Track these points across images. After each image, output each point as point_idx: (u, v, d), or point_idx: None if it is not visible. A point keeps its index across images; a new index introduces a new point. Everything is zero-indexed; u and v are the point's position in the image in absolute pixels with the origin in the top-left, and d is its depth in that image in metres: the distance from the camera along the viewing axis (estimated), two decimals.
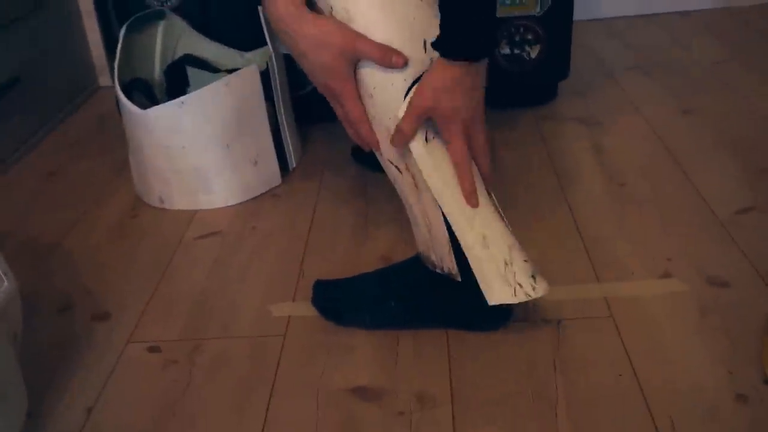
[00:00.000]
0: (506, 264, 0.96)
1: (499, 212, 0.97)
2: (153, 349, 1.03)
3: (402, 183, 0.96)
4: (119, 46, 1.39)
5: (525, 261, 0.97)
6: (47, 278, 1.21)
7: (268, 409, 0.91)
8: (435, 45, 0.85)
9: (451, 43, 0.84)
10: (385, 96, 0.89)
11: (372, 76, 0.88)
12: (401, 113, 0.88)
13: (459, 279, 0.96)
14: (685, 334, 0.97)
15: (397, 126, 0.89)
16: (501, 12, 1.57)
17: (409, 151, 0.91)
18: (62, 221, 1.37)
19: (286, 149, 1.46)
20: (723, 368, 0.91)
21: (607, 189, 1.33)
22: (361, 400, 0.91)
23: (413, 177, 0.93)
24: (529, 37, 1.59)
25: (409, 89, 0.87)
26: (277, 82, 1.41)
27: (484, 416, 0.87)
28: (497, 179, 1.38)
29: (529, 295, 0.97)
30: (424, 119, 0.88)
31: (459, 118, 0.87)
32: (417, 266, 1.01)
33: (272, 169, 1.41)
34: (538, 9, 1.57)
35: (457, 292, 0.97)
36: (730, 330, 0.97)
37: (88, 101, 1.95)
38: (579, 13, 2.25)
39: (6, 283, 0.83)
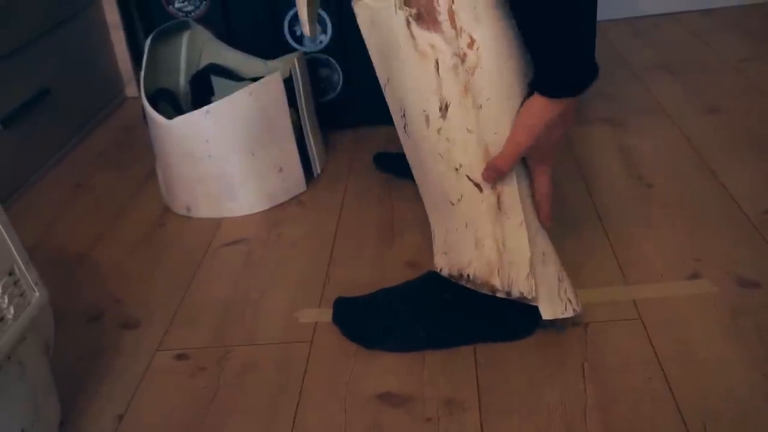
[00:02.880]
0: (559, 280, 0.96)
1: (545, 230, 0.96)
2: (181, 357, 1.04)
3: (474, 203, 0.91)
4: (145, 57, 1.41)
5: (568, 278, 0.97)
6: (76, 289, 1.22)
7: (296, 415, 0.91)
8: (533, 85, 0.82)
9: (549, 82, 0.80)
10: (496, 111, 0.86)
11: (490, 86, 0.85)
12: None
13: (537, 302, 0.94)
14: (716, 336, 0.96)
15: (492, 162, 0.87)
16: None
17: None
18: (90, 232, 1.39)
19: (310, 156, 1.46)
20: (756, 370, 0.90)
21: (635, 190, 1.32)
22: (388, 406, 0.91)
23: (499, 197, 0.90)
24: None
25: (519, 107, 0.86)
26: (301, 89, 1.42)
27: (512, 422, 0.87)
28: None
29: (575, 311, 0.96)
30: (522, 154, 0.86)
31: (553, 151, 0.86)
32: (441, 285, 0.98)
33: (297, 175, 1.42)
34: None
35: (484, 307, 0.97)
36: (762, 331, 0.96)
37: (115, 112, 1.97)
38: (603, 12, 2.24)
39: (37, 294, 0.85)
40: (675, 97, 1.68)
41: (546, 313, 0.94)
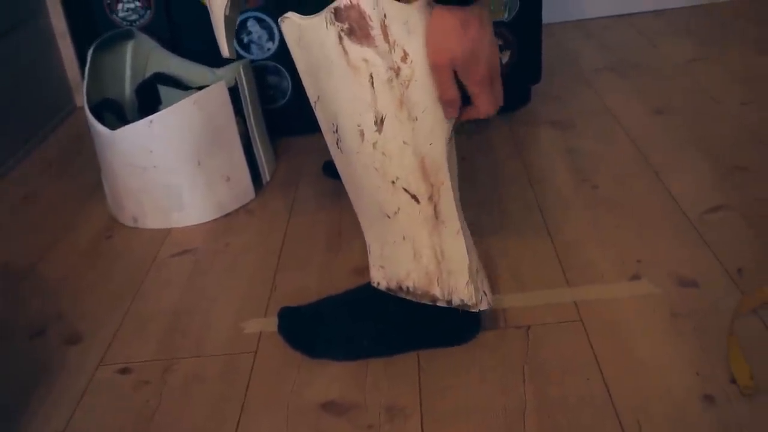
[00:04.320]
0: (477, 271, 0.96)
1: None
2: (124, 371, 1.03)
3: (411, 215, 0.91)
4: (87, 66, 1.39)
5: (483, 270, 0.98)
6: (21, 304, 1.21)
7: (238, 426, 0.91)
8: None
9: None
10: (431, 123, 0.86)
11: (425, 98, 0.84)
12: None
13: (478, 309, 0.95)
14: (655, 337, 0.97)
15: (440, 99, 0.84)
16: None
17: (444, 172, 0.88)
18: (36, 245, 1.37)
19: (259, 164, 1.46)
20: (691, 370, 0.91)
21: (580, 192, 1.33)
22: (330, 414, 0.91)
23: (435, 206, 0.90)
24: (499, 42, 1.59)
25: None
26: (247, 96, 1.41)
27: (454, 427, 0.87)
28: (469, 185, 1.39)
29: (490, 304, 0.97)
30: (452, 75, 0.82)
31: (479, 64, 0.81)
32: (383, 297, 0.99)
33: (245, 184, 1.41)
34: (506, 15, 1.57)
35: (425, 314, 0.97)
36: (699, 331, 0.97)
37: (65, 122, 1.95)
38: (554, 14, 2.27)
39: None
40: (622, 99, 1.70)
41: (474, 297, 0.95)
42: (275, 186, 1.49)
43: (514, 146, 1.54)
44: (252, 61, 1.57)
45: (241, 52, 1.59)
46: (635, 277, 1.09)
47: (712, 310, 1.01)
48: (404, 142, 0.87)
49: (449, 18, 0.79)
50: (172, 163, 1.33)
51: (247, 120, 1.42)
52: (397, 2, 0.80)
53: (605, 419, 0.86)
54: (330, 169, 1.47)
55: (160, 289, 1.20)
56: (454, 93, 0.83)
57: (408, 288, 0.96)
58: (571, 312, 1.04)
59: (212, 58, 1.54)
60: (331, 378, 0.97)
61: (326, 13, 0.81)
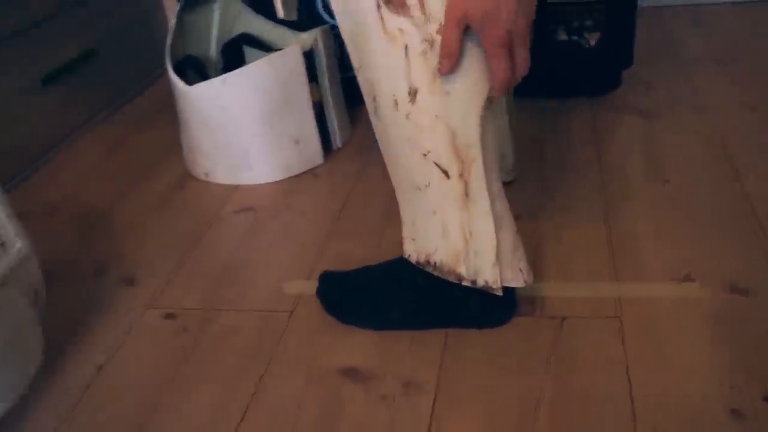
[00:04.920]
0: (515, 248, 0.95)
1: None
2: (169, 316, 1.08)
3: (441, 190, 0.91)
4: (173, 23, 1.44)
5: (522, 247, 0.97)
6: (90, 244, 1.28)
7: (259, 382, 0.94)
8: None
9: None
10: (464, 98, 0.85)
11: (458, 73, 0.83)
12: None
13: (500, 292, 0.94)
14: (692, 342, 0.93)
15: (440, 49, 0.82)
16: None
17: (476, 150, 0.87)
18: (115, 190, 1.45)
19: (330, 129, 1.48)
20: (724, 381, 0.87)
21: (649, 186, 1.28)
22: (349, 381, 0.93)
23: (466, 184, 0.90)
24: (589, 23, 1.54)
25: None
26: (324, 62, 1.43)
27: (464, 409, 0.87)
28: (537, 165, 1.36)
29: (526, 282, 0.96)
30: (463, 30, 0.81)
31: (496, 26, 0.79)
32: (415, 270, 0.98)
33: (314, 148, 1.44)
34: None
35: (458, 293, 0.97)
36: (741, 342, 0.93)
37: (163, 77, 2.03)
38: None
39: (18, 245, 0.89)
40: (717, 92, 1.61)
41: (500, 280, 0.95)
42: (345, 153, 1.51)
43: (593, 131, 1.49)
44: (334, 28, 1.58)
45: (327, 18, 1.61)
46: (687, 278, 1.05)
47: (759, 322, 0.95)
48: (436, 116, 0.86)
49: None
50: (243, 122, 1.36)
51: (321, 85, 1.44)
52: None
53: (620, 420, 0.83)
54: None
55: (217, 243, 1.25)
56: (454, 47, 0.81)
57: (435, 263, 0.95)
58: (611, 308, 1.01)
59: (298, 22, 1.57)
60: (357, 346, 0.98)
61: None
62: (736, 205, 1.20)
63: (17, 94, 1.50)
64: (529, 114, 1.57)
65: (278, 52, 1.34)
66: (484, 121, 0.87)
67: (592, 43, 1.56)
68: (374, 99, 0.89)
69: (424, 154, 0.88)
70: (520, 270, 0.96)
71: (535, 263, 1.10)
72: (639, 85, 1.68)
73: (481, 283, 0.94)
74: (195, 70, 1.48)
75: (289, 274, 1.15)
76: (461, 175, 0.89)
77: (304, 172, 1.44)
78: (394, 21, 0.82)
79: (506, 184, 1.28)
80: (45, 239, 1.30)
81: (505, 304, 0.98)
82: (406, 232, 0.98)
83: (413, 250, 0.97)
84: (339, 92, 1.53)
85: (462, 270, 0.94)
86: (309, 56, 1.39)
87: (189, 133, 1.43)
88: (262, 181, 1.42)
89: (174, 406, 0.91)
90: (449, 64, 0.82)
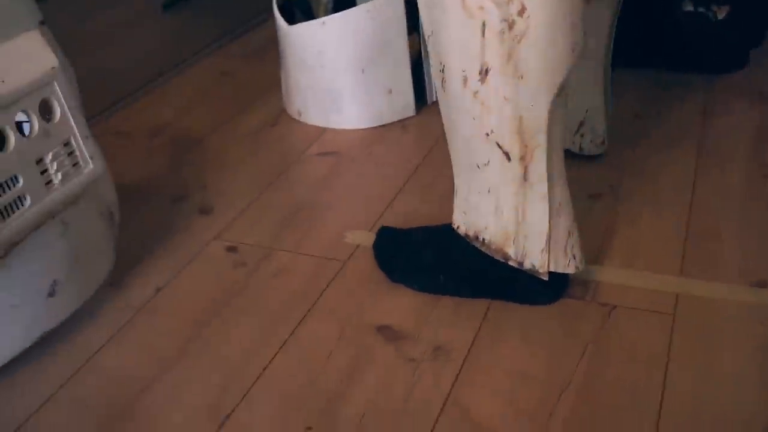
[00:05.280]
0: (569, 234, 0.93)
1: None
2: (231, 249, 1.12)
3: (500, 171, 0.89)
4: None
5: (578, 233, 0.94)
6: (178, 170, 1.34)
7: (297, 327, 0.96)
8: None
9: None
10: (536, 84, 0.83)
11: (534, 58, 0.81)
12: None
13: (546, 277, 0.93)
14: (745, 351, 0.87)
15: None
16: None
17: (542, 137, 0.85)
18: (213, 121, 1.50)
19: (426, 82, 1.46)
20: (759, 396, 0.81)
21: (747, 179, 1.19)
22: (382, 339, 0.94)
23: (526, 168, 0.88)
24: None
25: None
26: None
27: (487, 383, 0.86)
28: (631, 144, 1.29)
29: (578, 268, 0.94)
30: None
31: None
32: (463, 240, 0.97)
33: (406, 99, 1.43)
34: None
35: (508, 274, 0.95)
36: None
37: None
38: None
39: (91, 166, 0.95)
40: None
41: (549, 265, 0.93)
42: (438, 108, 1.48)
43: (703, 113, 1.39)
44: None
45: None
46: (760, 284, 0.98)
47: None
48: (505, 98, 0.84)
49: None
50: (338, 66, 1.37)
51: (422, 37, 1.42)
52: None
53: (643, 418, 0.80)
54: None
55: (294, 183, 1.28)
56: None
57: (484, 240, 0.94)
58: (668, 303, 0.96)
59: None
60: (398, 305, 0.99)
61: None
62: None
63: (139, 17, 1.58)
64: (639, 86, 1.48)
65: (378, 0, 1.33)
66: (554, 107, 0.84)
67: (720, 16, 1.45)
68: (442, 71, 0.87)
69: (487, 134, 0.87)
70: (573, 256, 0.93)
71: (602, 245, 1.06)
72: (766, 68, 1.55)
73: (527, 265, 0.92)
74: (302, 11, 1.50)
75: (353, 223, 1.16)
76: (522, 159, 0.87)
77: (394, 123, 1.44)
78: None
79: (594, 158, 1.24)
80: (138, 161, 1.37)
81: (552, 287, 0.95)
82: (458, 203, 0.96)
83: (462, 223, 0.96)
84: None
85: (510, 251, 0.92)
86: (413, 6, 1.37)
87: (287, 71, 1.45)
88: (351, 126, 1.43)
89: (213, 336, 0.96)
90: None
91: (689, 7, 1.45)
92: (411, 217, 1.15)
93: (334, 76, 1.38)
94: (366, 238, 1.12)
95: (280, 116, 1.50)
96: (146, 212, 1.22)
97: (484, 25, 0.81)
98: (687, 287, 0.98)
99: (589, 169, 1.23)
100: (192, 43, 1.75)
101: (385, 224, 1.12)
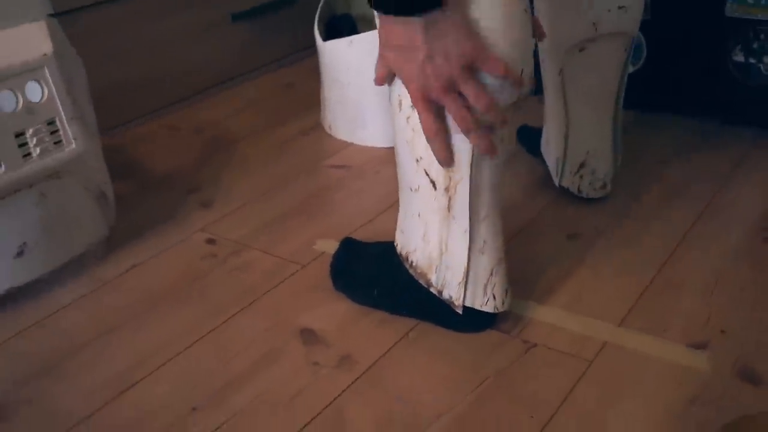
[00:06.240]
0: (491, 274, 0.92)
1: (501, 220, 0.92)
2: (210, 241, 1.19)
3: (427, 198, 0.90)
4: None
5: (505, 275, 0.93)
6: (204, 165, 1.44)
7: (230, 318, 1.01)
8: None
9: None
10: None
11: None
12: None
13: (460, 311, 0.93)
14: (646, 413, 0.83)
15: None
16: (739, 11, 1.34)
17: (464, 173, 0.86)
18: (256, 125, 1.59)
19: None
20: None
21: (745, 239, 1.11)
22: (299, 339, 0.97)
23: (450, 199, 0.89)
24: None
25: None
26: None
27: (374, 398, 0.87)
28: (640, 191, 1.24)
29: (497, 309, 0.93)
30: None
31: (410, 83, 0.80)
32: (399, 259, 0.98)
33: None
34: None
35: (433, 297, 0.95)
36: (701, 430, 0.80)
37: None
38: None
39: (73, 146, 1.05)
40: None
41: (465, 300, 0.92)
42: None
43: (732, 168, 1.30)
44: None
45: None
46: (698, 345, 0.91)
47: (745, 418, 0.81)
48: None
49: (381, 25, 0.81)
50: (364, 83, 1.42)
51: None
52: None
53: None
54: (524, 136, 1.42)
55: (296, 190, 1.33)
56: (414, 100, 0.83)
57: (412, 262, 0.95)
58: (592, 350, 0.92)
59: None
60: (332, 312, 1.01)
61: None
62: None
63: (207, 26, 1.70)
64: (676, 133, 1.42)
65: None
66: (478, 149, 0.85)
67: None
68: (390, 90, 0.90)
69: (417, 160, 0.88)
70: (493, 296, 0.93)
71: (554, 285, 1.04)
72: None
73: (446, 296, 0.93)
74: (348, 28, 1.56)
75: (330, 232, 1.20)
76: (446, 190, 0.88)
77: None
78: None
79: (593, 201, 1.20)
80: (173, 153, 1.49)
81: (472, 320, 0.94)
82: (399, 222, 0.98)
83: (399, 242, 0.98)
84: None
85: (432, 278, 0.93)
86: None
87: (322, 86, 1.52)
88: (374, 144, 1.46)
89: (155, 316, 1.03)
90: (430, 127, 0.83)
91: (739, 57, 1.37)
92: (384, 233, 1.17)
93: (360, 93, 1.43)
94: (333, 247, 1.15)
95: (314, 129, 1.56)
96: (156, 199, 1.32)
97: None
98: (618, 337, 0.94)
99: (582, 209, 1.20)
100: (260, 55, 1.86)
101: (360, 238, 1.15)
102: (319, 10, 1.51)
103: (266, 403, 0.87)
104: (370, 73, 1.38)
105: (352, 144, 1.48)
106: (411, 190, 0.92)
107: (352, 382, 0.89)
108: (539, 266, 1.08)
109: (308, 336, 0.98)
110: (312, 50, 1.96)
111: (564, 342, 0.94)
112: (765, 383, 0.86)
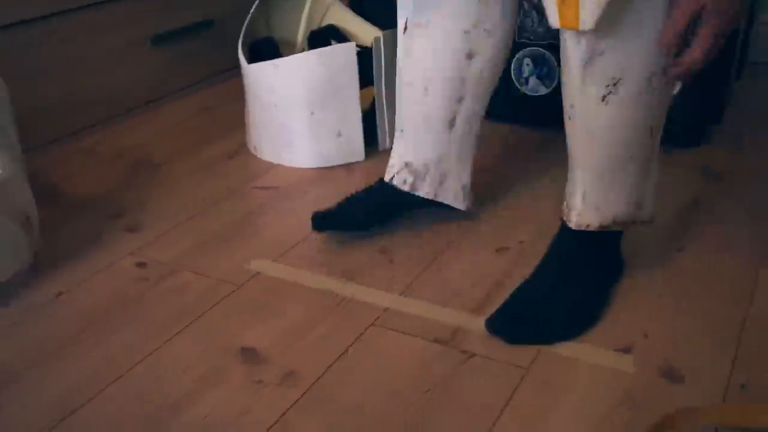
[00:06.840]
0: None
1: None
2: (140, 265, 1.18)
3: (643, 162, 1.01)
4: (256, 3, 1.54)
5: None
6: (126, 189, 1.41)
7: (168, 340, 1.00)
8: None
9: None
10: None
11: None
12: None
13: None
14: (582, 415, 0.87)
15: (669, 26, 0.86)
16: None
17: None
18: (177, 149, 1.58)
19: (379, 130, 1.51)
20: None
21: (661, 254, 1.18)
22: (240, 359, 0.97)
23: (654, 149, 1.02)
24: None
25: None
26: (382, 63, 1.46)
27: (319, 414, 0.88)
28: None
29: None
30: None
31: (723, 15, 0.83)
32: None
33: (356, 144, 1.48)
34: None
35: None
36: (630, 429, 0.85)
37: None
38: None
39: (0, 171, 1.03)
40: None
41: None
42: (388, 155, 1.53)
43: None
44: None
45: None
46: (625, 349, 0.97)
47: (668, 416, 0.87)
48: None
49: None
50: (289, 106, 1.43)
51: (377, 85, 1.47)
52: None
53: None
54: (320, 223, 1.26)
55: (224, 212, 1.33)
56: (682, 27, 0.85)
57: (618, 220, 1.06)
58: (527, 358, 0.96)
59: (387, 20, 1.60)
60: (272, 330, 1.02)
61: None
62: (731, 309, 1.09)
63: (126, 49, 1.68)
64: None
65: (330, 47, 1.40)
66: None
67: (674, 91, 1.45)
68: (615, 84, 0.93)
69: (651, 128, 0.97)
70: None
71: (489, 296, 1.07)
72: (728, 142, 1.53)
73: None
74: (270, 52, 1.57)
75: (263, 252, 1.20)
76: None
77: (342, 165, 1.48)
78: None
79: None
80: (93, 178, 1.46)
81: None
82: (588, 205, 1.03)
83: (595, 218, 1.03)
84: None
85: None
86: (368, 60, 1.43)
87: (247, 108, 1.52)
88: (300, 165, 1.48)
89: (89, 342, 1.01)
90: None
91: None
92: (322, 254, 1.19)
93: (285, 115, 1.44)
94: (267, 267, 1.16)
95: (239, 151, 1.56)
96: (80, 224, 1.29)
97: None
98: (551, 346, 0.98)
99: (508, 222, 1.25)
100: (180, 77, 1.84)
101: (291, 256, 1.17)
102: (242, 33, 1.52)
103: (212, 425, 0.87)
104: (295, 96, 1.41)
105: (278, 165, 1.49)
106: (631, 160, 1.00)
107: (298, 399, 0.90)
108: (473, 279, 1.12)
109: (249, 355, 0.98)
110: (230, 73, 1.98)
111: (500, 351, 0.97)
112: (689, 381, 0.91)
